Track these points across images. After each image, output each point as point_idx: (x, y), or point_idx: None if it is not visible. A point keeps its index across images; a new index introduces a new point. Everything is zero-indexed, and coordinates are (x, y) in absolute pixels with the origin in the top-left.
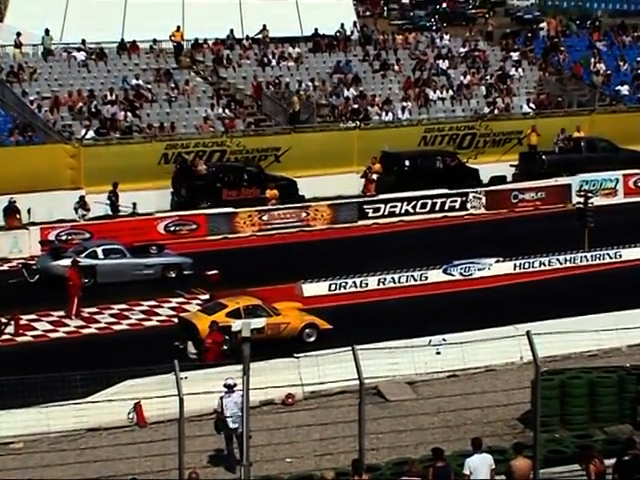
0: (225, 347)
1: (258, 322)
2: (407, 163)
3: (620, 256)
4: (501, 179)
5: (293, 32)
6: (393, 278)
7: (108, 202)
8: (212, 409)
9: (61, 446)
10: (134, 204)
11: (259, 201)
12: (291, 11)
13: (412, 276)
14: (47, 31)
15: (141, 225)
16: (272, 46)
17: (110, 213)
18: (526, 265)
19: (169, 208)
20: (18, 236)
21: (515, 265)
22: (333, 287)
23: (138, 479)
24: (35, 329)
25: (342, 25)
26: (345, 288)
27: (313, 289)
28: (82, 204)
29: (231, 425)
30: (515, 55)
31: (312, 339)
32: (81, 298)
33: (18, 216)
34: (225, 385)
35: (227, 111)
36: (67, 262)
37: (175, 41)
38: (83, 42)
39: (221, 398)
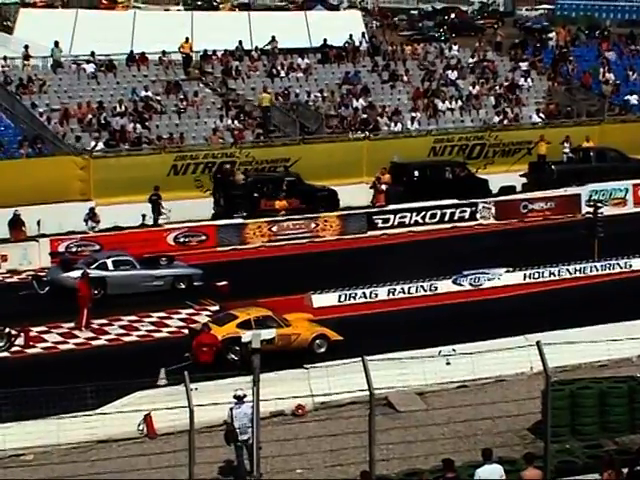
0: (214, 349)
1: (268, 333)
2: (416, 173)
3: (630, 266)
4: (510, 189)
5: (302, 43)
6: (403, 289)
7: (150, 205)
8: (222, 420)
9: (71, 458)
10: (144, 215)
11: (298, 211)
12: (300, 22)
13: (422, 286)
14: (56, 43)
15: (151, 236)
16: (281, 57)
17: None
18: (536, 275)
19: (179, 219)
20: (28, 248)
21: (525, 275)
22: (343, 298)
23: None
24: (45, 341)
25: (351, 36)
26: (355, 299)
27: (323, 300)
28: (92, 216)
29: (241, 436)
30: (524, 65)
31: (322, 350)
32: (91, 310)
33: (24, 228)
34: (235, 396)
35: (236, 122)
36: (77, 274)
37: (184, 53)
38: (92, 54)
39: (231, 409)
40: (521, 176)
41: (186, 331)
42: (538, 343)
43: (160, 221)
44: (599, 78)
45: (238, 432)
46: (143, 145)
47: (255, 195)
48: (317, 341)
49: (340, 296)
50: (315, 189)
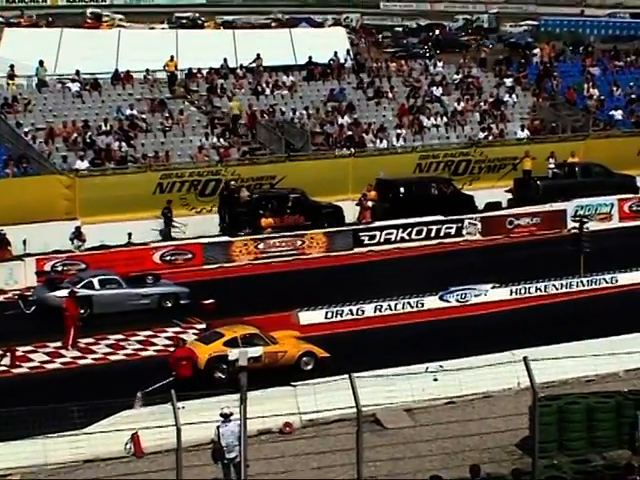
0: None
1: (255, 351)
2: (402, 190)
3: (616, 281)
4: (496, 205)
5: (287, 61)
6: (389, 305)
7: (162, 218)
8: (209, 439)
9: (58, 477)
10: (130, 234)
11: (303, 228)
12: (285, 40)
13: (408, 303)
14: (41, 62)
15: (137, 255)
16: (266, 75)
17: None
18: (522, 291)
19: (161, 238)
20: (14, 267)
21: (511, 291)
22: (329, 315)
23: None
24: (31, 360)
25: (335, 53)
26: (341, 316)
27: (309, 317)
28: (78, 235)
29: (228, 455)
30: (509, 81)
31: (310, 367)
32: (78, 329)
33: (9, 247)
34: (221, 414)
35: (222, 140)
36: (63, 293)
37: (169, 71)
38: (77, 73)
39: (218, 427)
40: (507, 192)
41: (172, 350)
42: (525, 359)
43: (173, 234)
44: (584, 94)
45: (225, 450)
46: (129, 164)
47: (260, 212)
48: (304, 358)
49: (327, 313)
50: (320, 206)
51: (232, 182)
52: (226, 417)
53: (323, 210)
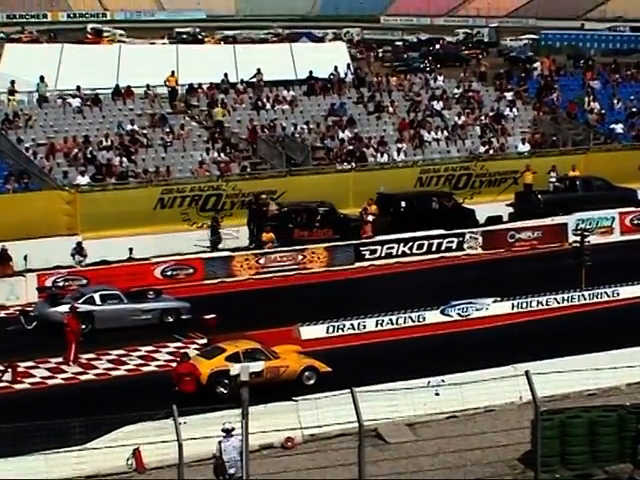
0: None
1: (256, 366)
2: (403, 204)
3: (618, 294)
4: (497, 219)
5: (287, 75)
6: (391, 320)
7: (210, 229)
8: (211, 454)
9: None
10: (131, 249)
11: (332, 241)
12: (285, 54)
13: (410, 317)
14: (42, 78)
15: (138, 270)
16: (266, 89)
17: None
18: (524, 305)
19: (166, 253)
20: (15, 283)
21: (513, 305)
22: (331, 330)
23: None
24: (33, 376)
25: (335, 68)
26: (343, 330)
27: (311, 332)
28: (79, 250)
29: (230, 470)
30: (509, 95)
31: (312, 382)
32: (79, 344)
33: (10, 263)
34: (223, 429)
35: (222, 155)
36: (65, 308)
37: (169, 86)
38: (78, 88)
39: (220, 442)
40: (508, 206)
41: (174, 365)
42: (527, 373)
43: (223, 245)
44: (584, 107)
45: (227, 465)
46: (129, 179)
47: (289, 225)
48: (306, 373)
49: (328, 328)
50: (349, 219)
51: (262, 195)
52: (228, 432)
53: (351, 223)
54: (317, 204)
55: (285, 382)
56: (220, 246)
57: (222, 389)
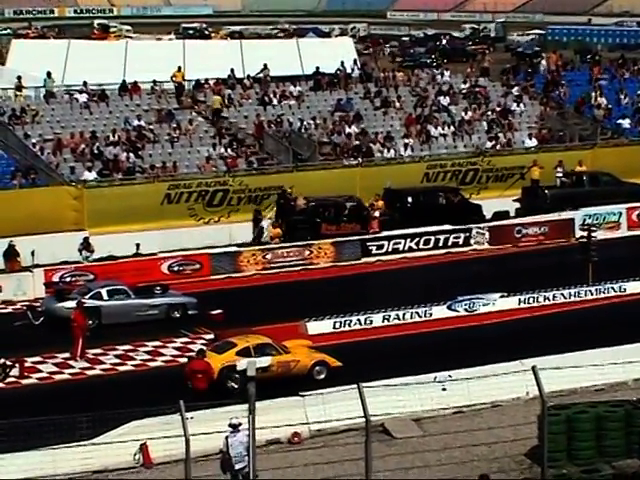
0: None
1: (263, 361)
2: (410, 200)
3: (624, 290)
4: (504, 214)
5: (294, 71)
6: (397, 315)
7: (253, 222)
8: (218, 449)
9: None
10: (138, 244)
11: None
12: (292, 50)
13: (417, 312)
14: (49, 74)
15: (145, 266)
16: (273, 85)
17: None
18: (531, 300)
19: (173, 248)
20: (22, 278)
21: (520, 300)
22: (338, 325)
23: None
24: (40, 371)
25: (342, 63)
26: (350, 326)
27: (318, 327)
28: (86, 245)
29: (236, 465)
30: (516, 90)
31: (322, 376)
32: (86, 339)
33: (18, 259)
34: (230, 425)
35: (229, 150)
36: (72, 304)
37: (176, 81)
38: (85, 84)
39: (226, 438)
40: (514, 201)
41: (181, 360)
42: (534, 368)
43: (264, 239)
44: (591, 102)
45: (233, 461)
46: (136, 174)
47: (317, 220)
48: (317, 367)
49: (335, 323)
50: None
51: (289, 190)
52: (235, 427)
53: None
54: (345, 198)
55: (296, 377)
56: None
57: (233, 384)
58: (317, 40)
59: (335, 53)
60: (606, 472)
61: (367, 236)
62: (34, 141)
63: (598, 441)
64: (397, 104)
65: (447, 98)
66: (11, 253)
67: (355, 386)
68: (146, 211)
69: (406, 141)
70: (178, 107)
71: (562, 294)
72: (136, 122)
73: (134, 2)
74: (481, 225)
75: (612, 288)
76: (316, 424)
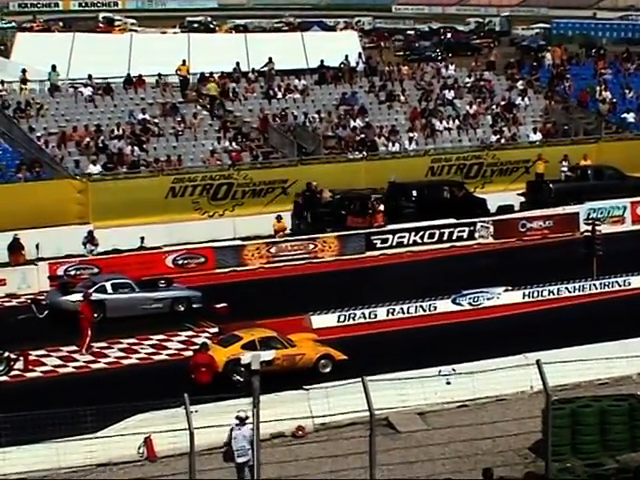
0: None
1: (267, 354)
2: (414, 193)
3: (629, 284)
4: (509, 208)
5: (299, 64)
6: (402, 309)
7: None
8: (222, 442)
9: None
10: (142, 238)
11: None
12: (296, 44)
13: (421, 306)
14: (54, 67)
15: (149, 259)
16: (278, 79)
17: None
18: (535, 294)
19: (177, 242)
20: (27, 272)
21: (524, 294)
22: (342, 318)
23: None
24: (44, 364)
25: (346, 57)
26: (354, 319)
27: (322, 321)
28: (90, 239)
29: (238, 459)
30: (520, 84)
31: (327, 370)
32: (93, 332)
33: (23, 252)
34: (237, 417)
35: (234, 144)
36: (76, 297)
37: (181, 75)
38: (89, 77)
39: (231, 430)
40: (519, 195)
41: (185, 353)
42: (538, 362)
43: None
44: (596, 96)
45: (236, 454)
46: (141, 168)
47: (342, 212)
48: (322, 361)
49: (339, 317)
50: (402, 206)
51: (314, 182)
52: (242, 421)
53: (405, 210)
54: (370, 191)
55: (301, 370)
56: None
57: (238, 377)
58: (322, 34)
59: (340, 47)
60: (610, 466)
61: (371, 230)
62: (39, 134)
63: (602, 435)
64: (402, 98)
65: (452, 92)
66: (16, 246)
67: (359, 380)
68: (150, 204)
69: (411, 135)
70: (183, 101)
71: (567, 288)
72: (141, 115)
73: None
74: (485, 219)
75: (617, 282)
76: (320, 418)
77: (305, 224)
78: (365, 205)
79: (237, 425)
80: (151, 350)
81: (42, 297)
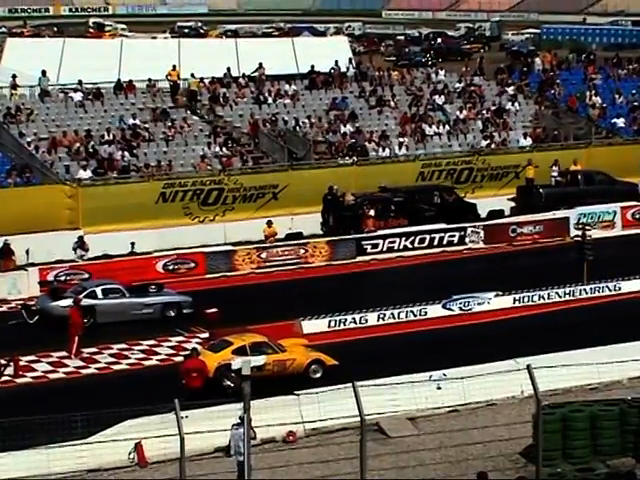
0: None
1: (258, 360)
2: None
3: (619, 288)
4: (499, 213)
5: (289, 70)
6: (393, 314)
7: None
8: (213, 448)
9: None
10: (132, 243)
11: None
12: (287, 49)
13: (411, 311)
14: (44, 72)
15: (140, 264)
16: (268, 84)
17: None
18: (525, 299)
19: (168, 247)
20: (17, 277)
21: (514, 299)
22: (333, 324)
23: None
24: (35, 370)
25: (336, 62)
26: (345, 324)
27: (313, 326)
28: (81, 244)
29: (236, 457)
30: (511, 89)
31: (318, 375)
32: (82, 338)
33: (13, 257)
34: (239, 417)
35: (224, 149)
36: (66, 302)
37: (171, 80)
38: (80, 82)
39: (232, 426)
40: (509, 200)
41: (176, 359)
42: (528, 367)
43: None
44: (586, 102)
45: (232, 452)
46: (131, 173)
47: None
48: (313, 366)
49: (330, 322)
50: (423, 209)
51: (335, 186)
52: (242, 420)
53: (426, 214)
54: (392, 194)
55: (292, 375)
56: None
57: (229, 382)
58: (312, 39)
59: (330, 52)
60: (601, 471)
61: (362, 235)
62: (29, 140)
63: (593, 440)
64: (392, 103)
65: (442, 97)
66: (6, 252)
67: (350, 385)
68: (141, 210)
69: (401, 140)
70: (173, 106)
71: (557, 293)
72: (131, 121)
73: (129, 1)
74: (476, 224)
75: (607, 287)
76: (311, 423)
77: (327, 227)
78: (387, 208)
79: (237, 425)
80: (141, 355)
81: (32, 303)
